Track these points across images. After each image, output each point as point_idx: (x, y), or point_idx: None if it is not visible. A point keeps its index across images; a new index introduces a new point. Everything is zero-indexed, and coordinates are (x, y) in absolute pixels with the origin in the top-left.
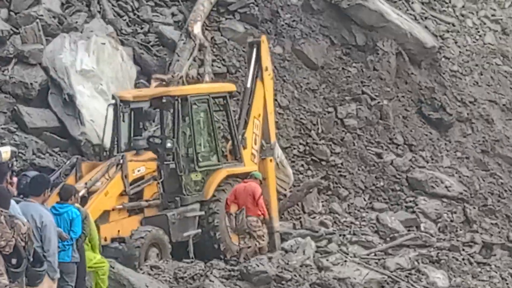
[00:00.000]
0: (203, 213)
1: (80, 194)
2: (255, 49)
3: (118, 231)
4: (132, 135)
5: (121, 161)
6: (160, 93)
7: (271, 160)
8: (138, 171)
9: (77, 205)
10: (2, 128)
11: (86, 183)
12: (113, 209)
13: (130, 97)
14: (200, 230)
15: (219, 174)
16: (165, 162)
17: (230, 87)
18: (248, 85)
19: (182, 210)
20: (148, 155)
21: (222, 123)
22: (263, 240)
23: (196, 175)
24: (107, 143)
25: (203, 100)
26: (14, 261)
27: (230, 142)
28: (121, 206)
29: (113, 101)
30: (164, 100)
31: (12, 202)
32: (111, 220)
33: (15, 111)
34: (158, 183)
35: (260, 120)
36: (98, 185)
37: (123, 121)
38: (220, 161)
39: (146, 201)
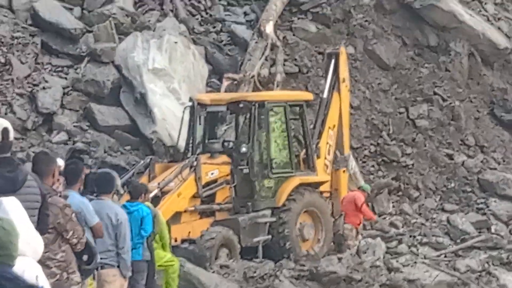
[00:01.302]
0: (274, 219)
1: (153, 194)
2: (333, 60)
3: (189, 232)
4: (207, 138)
5: (195, 163)
6: (237, 98)
7: (344, 171)
8: (212, 174)
9: (147, 203)
10: (74, 126)
11: (159, 183)
12: (185, 211)
13: (207, 100)
14: (270, 237)
15: (292, 182)
16: (239, 167)
17: (307, 95)
18: (325, 95)
19: (253, 216)
20: (222, 158)
21: (296, 131)
22: (351, 250)
23: (269, 182)
24: (182, 144)
25: (280, 107)
26: (85, 257)
27: (304, 150)
28: (193, 208)
29: (190, 103)
30: (241, 105)
31: (86, 200)
32: (182, 221)
33: (87, 109)
34: (231, 187)
35: (335, 131)
36: (171, 186)
37: (199, 123)
38: (294, 169)
39: (218, 204)
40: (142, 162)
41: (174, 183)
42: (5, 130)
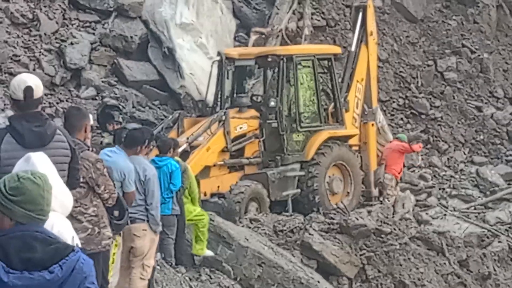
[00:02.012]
0: (303, 173)
1: (182, 148)
2: (360, 13)
3: (218, 186)
4: (235, 92)
5: (224, 117)
6: (265, 52)
7: (372, 125)
8: (240, 128)
9: (176, 158)
10: (102, 82)
11: (188, 138)
12: (214, 165)
13: (235, 54)
14: (299, 190)
15: (321, 136)
16: (268, 121)
17: (336, 49)
18: (353, 48)
19: (282, 170)
20: (251, 113)
21: (325, 85)
22: (389, 199)
23: (298, 135)
24: (210, 99)
25: (308, 61)
26: (116, 213)
27: (332, 104)
28: (222, 163)
29: (218, 58)
30: (269, 59)
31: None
32: (211, 176)
33: (115, 64)
34: (260, 141)
35: (363, 85)
36: (200, 140)
37: (227, 78)
38: (322, 122)
39: (247, 158)
40: (170, 117)
41: (203, 138)
42: (28, 89)
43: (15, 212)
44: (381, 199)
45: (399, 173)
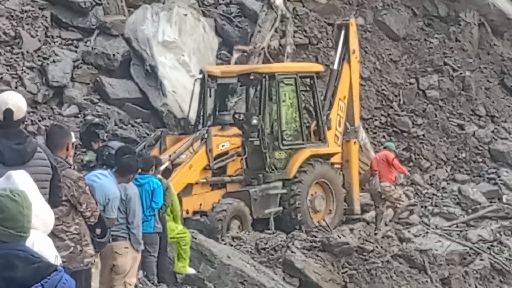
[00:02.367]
0: (285, 191)
1: (164, 166)
2: (343, 31)
3: (200, 204)
4: (217, 110)
5: (206, 135)
6: (247, 70)
7: (354, 143)
8: (223, 146)
9: (158, 176)
10: (84, 99)
11: (170, 156)
12: (196, 183)
13: (218, 72)
14: (281, 208)
15: (303, 154)
16: (250, 139)
17: (318, 67)
18: (335, 66)
19: (265, 187)
20: (233, 131)
21: (307, 103)
22: (402, 201)
23: (280, 153)
24: (192, 116)
25: (291, 79)
26: (98, 231)
27: (314, 122)
28: (204, 180)
29: (200, 76)
30: (251, 77)
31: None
32: (193, 194)
33: (98, 82)
34: (242, 159)
35: (345, 103)
36: (182, 158)
37: (210, 96)
38: (304, 140)
39: (229, 176)
40: (153, 134)
41: (185, 156)
42: (8, 111)
43: None
44: (383, 209)
45: (393, 181)
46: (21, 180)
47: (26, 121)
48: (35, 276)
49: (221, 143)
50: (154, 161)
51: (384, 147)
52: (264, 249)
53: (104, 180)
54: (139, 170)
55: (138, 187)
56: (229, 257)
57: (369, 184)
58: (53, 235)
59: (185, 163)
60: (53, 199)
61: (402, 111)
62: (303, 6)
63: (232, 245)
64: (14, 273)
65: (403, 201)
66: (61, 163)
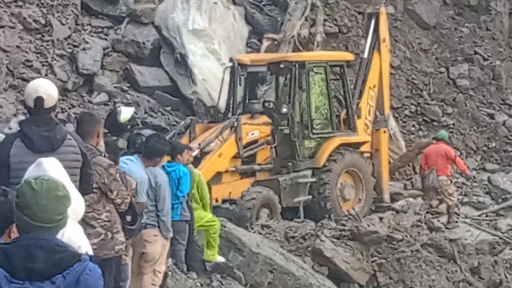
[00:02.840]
0: (314, 180)
1: (194, 153)
2: (373, 20)
3: (230, 192)
4: (247, 98)
5: (236, 123)
6: (277, 58)
7: (384, 132)
8: (252, 134)
9: (190, 165)
10: (114, 87)
11: (199, 144)
12: (226, 171)
13: (247, 60)
14: (310, 197)
15: (333, 142)
16: (279, 127)
17: (348, 56)
18: (365, 55)
19: (294, 176)
20: (263, 119)
21: (337, 92)
22: (454, 197)
23: (310, 142)
24: (222, 105)
25: (321, 68)
26: (129, 218)
27: (344, 111)
28: (234, 169)
29: (230, 64)
30: (281, 66)
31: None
32: (223, 182)
33: (128, 70)
34: (271, 147)
35: (375, 91)
36: (211, 146)
37: (239, 84)
38: (334, 129)
39: (259, 164)
40: (182, 122)
41: (214, 144)
42: (38, 99)
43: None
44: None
45: (450, 175)
46: (52, 167)
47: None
48: (57, 267)
49: (251, 131)
50: (180, 149)
51: (439, 139)
52: (293, 237)
53: (130, 165)
54: (168, 157)
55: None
56: (258, 245)
57: (425, 178)
58: (83, 222)
59: (214, 151)
60: (84, 187)
61: (432, 100)
62: None
63: (261, 234)
64: (36, 263)
65: (454, 197)
66: (91, 150)
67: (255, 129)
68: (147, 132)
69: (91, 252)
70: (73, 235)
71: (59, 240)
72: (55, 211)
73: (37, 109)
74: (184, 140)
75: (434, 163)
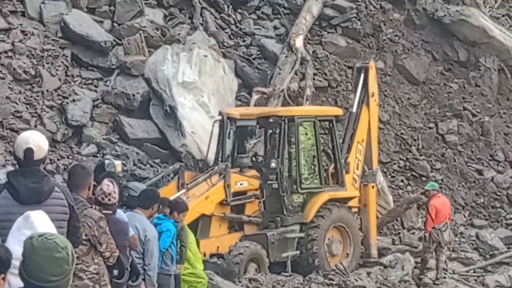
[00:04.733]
0: (302, 235)
1: (179, 194)
2: (362, 74)
3: (218, 247)
4: (236, 152)
5: (225, 170)
6: (267, 113)
7: (372, 187)
8: (241, 184)
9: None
10: (104, 139)
11: (187, 184)
12: (212, 216)
13: (237, 114)
14: (298, 252)
15: (321, 197)
16: (268, 182)
17: (337, 111)
18: (354, 109)
19: (282, 231)
20: (251, 172)
21: (326, 146)
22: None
23: (298, 197)
24: (211, 158)
25: (310, 122)
26: (116, 272)
27: (332, 165)
28: (222, 215)
29: (220, 117)
30: (270, 120)
31: (121, 212)
32: (211, 236)
33: (117, 121)
34: (260, 201)
35: (364, 146)
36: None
37: (228, 138)
38: (323, 184)
39: (248, 216)
40: (171, 167)
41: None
42: (28, 150)
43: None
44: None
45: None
46: (39, 220)
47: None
48: None
49: (240, 181)
50: (184, 206)
51: (437, 190)
52: None
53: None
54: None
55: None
56: None
57: (441, 233)
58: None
59: (201, 193)
60: (72, 239)
61: (420, 155)
62: (323, 49)
63: (248, 287)
64: None
65: (446, 252)
66: (82, 203)
67: (244, 179)
68: (135, 185)
69: None
70: None
71: None
72: (50, 272)
73: (27, 160)
74: (172, 185)
75: (444, 216)
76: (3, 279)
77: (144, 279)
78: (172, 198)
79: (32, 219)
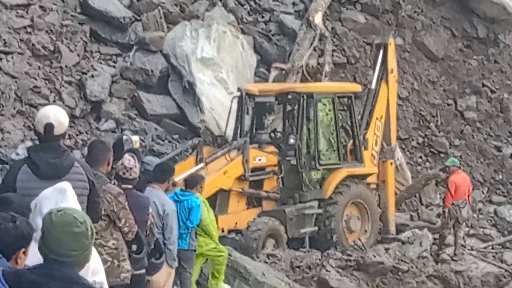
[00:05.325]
0: (320, 211)
1: (196, 168)
2: (381, 51)
3: (236, 223)
4: (254, 128)
5: (244, 145)
6: (286, 89)
7: (391, 163)
8: (259, 160)
9: (198, 194)
10: (122, 114)
11: (205, 158)
12: (230, 190)
13: (256, 90)
14: (316, 228)
15: (339, 174)
16: (286, 158)
17: (356, 87)
18: (373, 86)
19: (300, 207)
20: (270, 148)
21: (344, 122)
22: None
23: (316, 173)
24: (229, 134)
25: (328, 99)
26: (134, 247)
27: (351, 141)
28: (240, 190)
29: (238, 94)
30: (289, 96)
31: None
32: (229, 212)
33: (136, 97)
34: (278, 177)
35: (382, 122)
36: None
37: (247, 113)
38: (341, 160)
39: (266, 192)
40: (190, 142)
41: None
42: (48, 125)
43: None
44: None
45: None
46: (73, 195)
47: None
48: None
49: (258, 156)
50: (200, 180)
51: (458, 166)
52: (298, 267)
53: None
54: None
55: (177, 203)
56: (264, 274)
57: (460, 209)
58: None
59: (220, 168)
60: (92, 215)
61: (439, 132)
62: (342, 25)
63: (267, 263)
64: None
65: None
66: (101, 178)
67: (262, 155)
68: (150, 159)
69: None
70: (99, 267)
71: (74, 274)
72: (68, 246)
73: (47, 135)
74: (191, 160)
75: (464, 193)
76: (24, 253)
77: (165, 254)
78: (188, 173)
79: (67, 194)
